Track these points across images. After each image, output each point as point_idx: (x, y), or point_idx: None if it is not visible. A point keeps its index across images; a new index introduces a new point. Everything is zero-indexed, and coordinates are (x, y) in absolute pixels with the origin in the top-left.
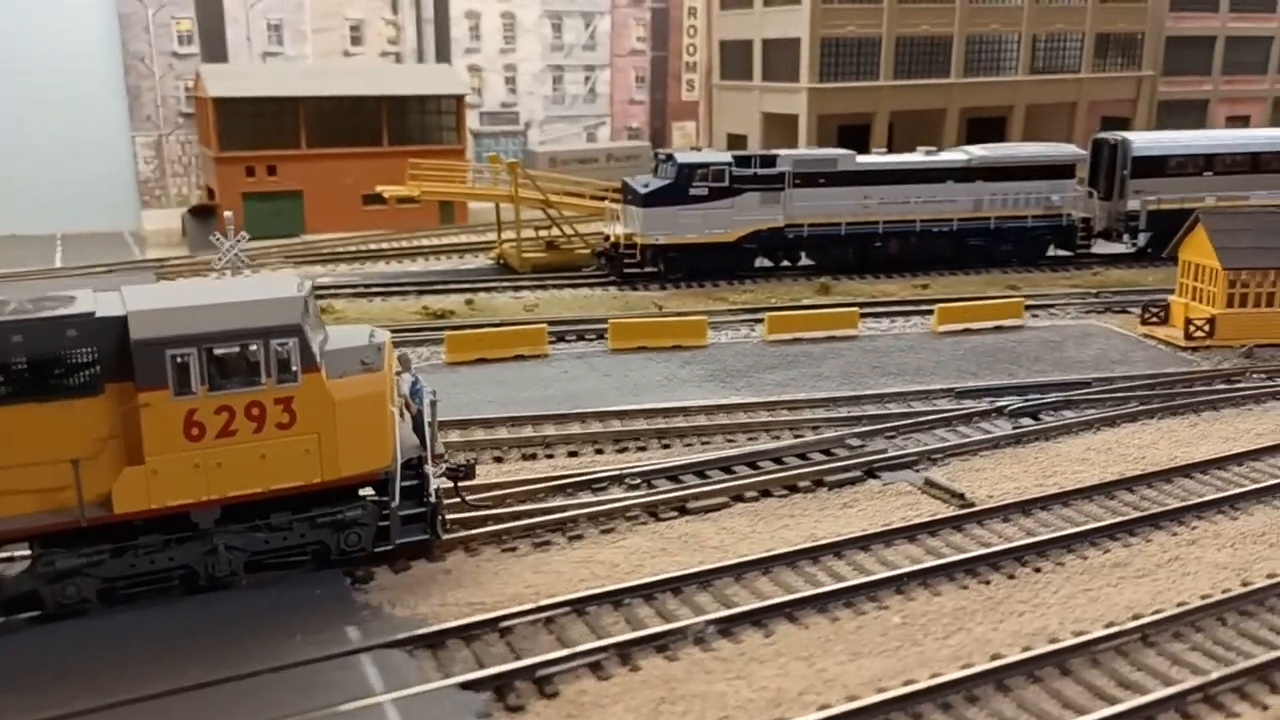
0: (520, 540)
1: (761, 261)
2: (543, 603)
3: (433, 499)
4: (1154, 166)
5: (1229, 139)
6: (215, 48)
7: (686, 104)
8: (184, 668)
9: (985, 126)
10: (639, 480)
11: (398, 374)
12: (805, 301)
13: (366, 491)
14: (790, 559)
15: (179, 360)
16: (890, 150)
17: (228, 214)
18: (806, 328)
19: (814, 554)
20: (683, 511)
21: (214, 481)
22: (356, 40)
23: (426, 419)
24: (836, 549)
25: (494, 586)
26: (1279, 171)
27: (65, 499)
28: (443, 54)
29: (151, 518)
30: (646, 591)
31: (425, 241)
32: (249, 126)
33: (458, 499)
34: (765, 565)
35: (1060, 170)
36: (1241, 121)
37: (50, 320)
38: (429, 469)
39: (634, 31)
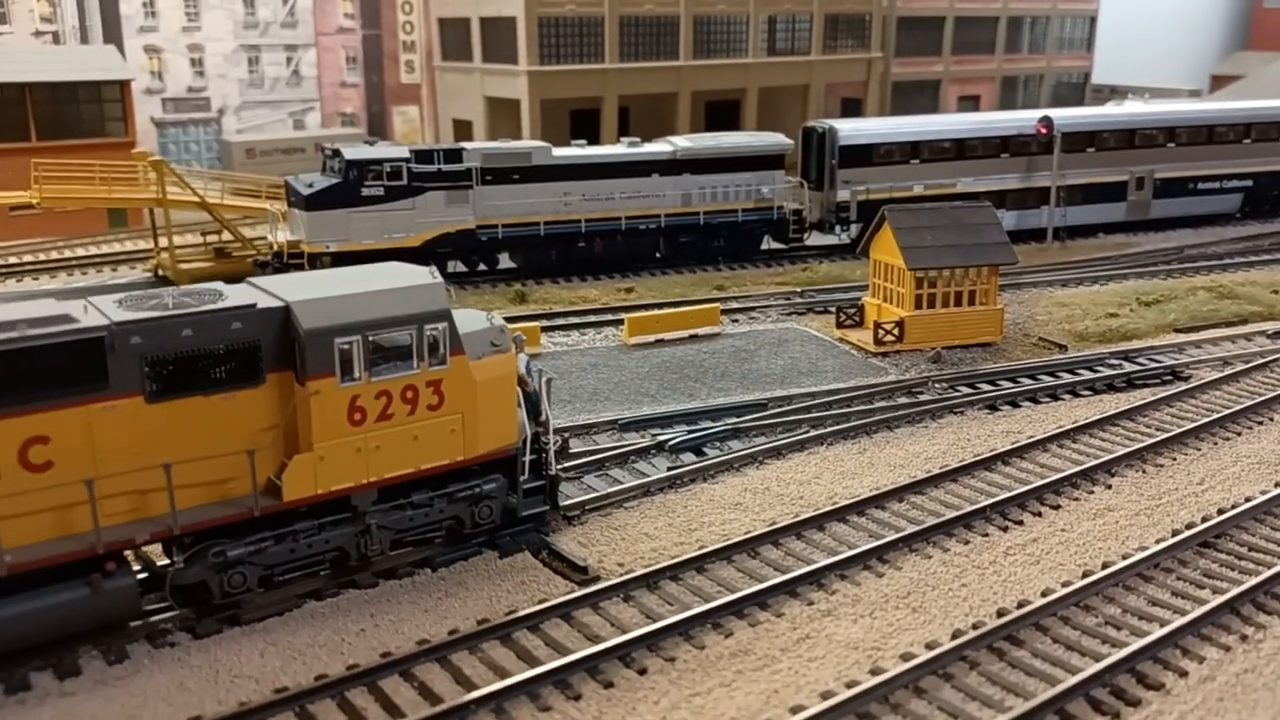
0: None
1: (458, 267)
2: None
3: (553, 471)
4: (861, 155)
5: (934, 125)
6: None
7: (408, 87)
8: None
9: (721, 110)
10: None
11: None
12: (495, 314)
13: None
14: (314, 696)
15: (344, 348)
16: (624, 136)
17: None
18: None
19: (366, 679)
20: (235, 622)
21: (373, 464)
22: (1, 18)
23: (544, 397)
24: (404, 666)
25: None
26: (983, 157)
27: (235, 490)
28: (111, 34)
29: (314, 503)
30: None
31: (82, 251)
32: None
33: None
34: (269, 712)
35: (769, 161)
36: (972, 101)
37: (216, 313)
38: (548, 443)
39: (340, 7)
